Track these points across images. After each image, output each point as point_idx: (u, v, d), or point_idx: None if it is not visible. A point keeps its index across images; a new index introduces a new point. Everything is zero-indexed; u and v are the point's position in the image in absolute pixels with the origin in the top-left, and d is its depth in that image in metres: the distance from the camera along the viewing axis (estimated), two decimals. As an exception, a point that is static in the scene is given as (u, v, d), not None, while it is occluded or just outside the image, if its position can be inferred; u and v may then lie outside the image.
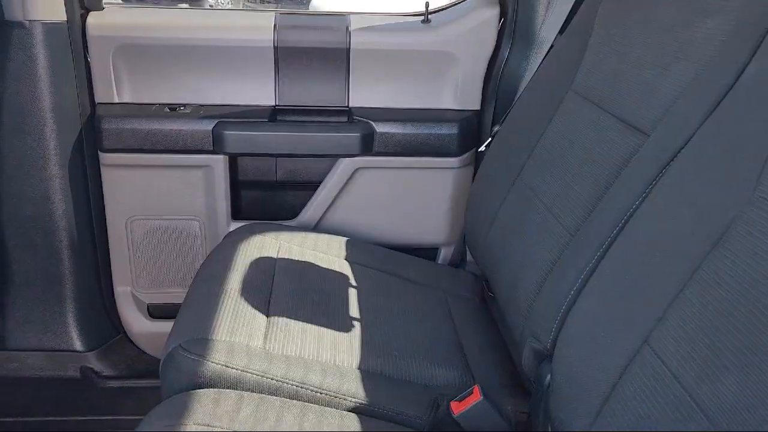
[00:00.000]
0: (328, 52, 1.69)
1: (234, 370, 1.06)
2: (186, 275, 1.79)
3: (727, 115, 0.89)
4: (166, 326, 1.76)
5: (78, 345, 1.75)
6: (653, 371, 0.80)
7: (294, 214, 1.76)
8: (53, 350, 1.74)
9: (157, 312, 1.82)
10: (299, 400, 1.05)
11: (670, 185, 0.92)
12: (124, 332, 1.83)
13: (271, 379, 1.07)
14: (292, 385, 1.07)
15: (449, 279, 1.60)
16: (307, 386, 1.07)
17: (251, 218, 1.74)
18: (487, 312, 1.50)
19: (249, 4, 7.74)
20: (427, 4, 1.72)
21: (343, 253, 1.55)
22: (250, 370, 1.07)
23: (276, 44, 1.66)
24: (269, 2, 7.62)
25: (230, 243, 1.49)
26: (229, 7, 8.31)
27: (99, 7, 1.65)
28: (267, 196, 1.78)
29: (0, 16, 1.46)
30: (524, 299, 1.17)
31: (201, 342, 1.10)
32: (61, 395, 1.71)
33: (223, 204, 1.72)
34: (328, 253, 1.53)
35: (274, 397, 1.02)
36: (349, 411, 1.06)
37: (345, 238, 1.61)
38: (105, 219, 1.74)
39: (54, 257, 1.68)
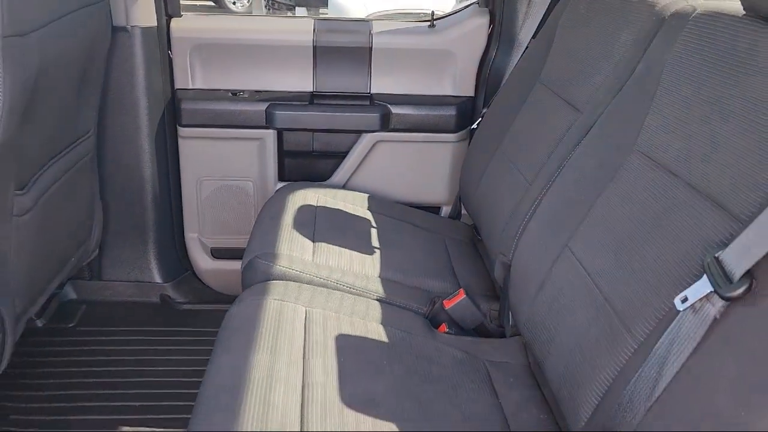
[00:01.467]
0: (355, 50, 2.16)
1: (294, 272, 1.55)
2: (241, 225, 2.26)
3: (623, 98, 1.36)
4: (224, 264, 2.26)
5: (158, 278, 2.25)
6: (569, 263, 1.27)
7: (327, 176, 2.24)
8: (139, 281, 2.24)
9: (217, 254, 2.31)
10: (339, 292, 1.54)
11: (586, 144, 1.40)
12: (192, 269, 2.32)
13: (319, 278, 1.55)
14: (333, 282, 1.55)
15: (447, 226, 2.07)
16: (343, 284, 1.56)
17: (293, 180, 2.22)
18: (475, 249, 1.98)
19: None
20: (432, 13, 2.19)
21: (366, 204, 2.02)
22: (304, 273, 1.55)
23: (315, 44, 2.14)
24: (289, 3, 8.08)
25: (281, 196, 1.97)
26: (246, 1, 8.87)
27: (179, 15, 2.13)
28: (306, 163, 2.26)
29: (110, 23, 1.94)
30: (497, 230, 1.64)
31: (270, 254, 1.59)
32: (145, 315, 2.20)
33: (272, 168, 2.21)
34: (354, 204, 2.00)
35: (323, 288, 1.51)
36: (374, 300, 1.54)
37: (367, 195, 2.09)
38: (180, 179, 2.23)
39: (141, 209, 2.17)
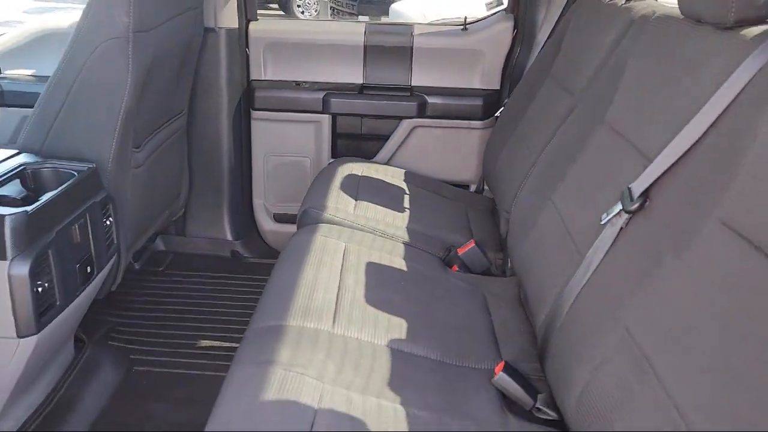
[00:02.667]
0: (399, 49, 2.57)
1: (337, 219, 1.96)
2: (299, 194, 2.66)
3: (599, 84, 1.71)
4: (283, 227, 2.71)
5: (229, 236, 2.71)
6: (550, 212, 1.62)
7: (372, 155, 2.65)
8: (214, 238, 2.71)
9: (278, 218, 2.75)
10: (372, 235, 1.94)
11: (570, 120, 1.76)
12: (257, 230, 2.78)
13: (357, 224, 1.96)
14: (368, 228, 1.96)
15: (470, 198, 2.45)
16: (376, 230, 1.96)
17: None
18: (492, 216, 2.34)
19: (336, 7, 8.77)
20: (465, 19, 2.58)
21: (402, 177, 2.42)
22: (346, 220, 1.97)
23: (365, 44, 2.56)
24: (351, 5, 8.59)
25: (332, 167, 2.39)
26: (314, 8, 9.44)
27: (256, 19, 2.60)
28: (354, 143, 2.68)
29: (202, 25, 2.41)
30: (506, 194, 2.01)
31: (320, 206, 2.01)
32: (218, 266, 2.66)
33: (326, 147, 2.64)
34: (392, 177, 2.41)
35: (359, 231, 1.92)
36: (400, 243, 1.93)
37: (404, 170, 2.49)
38: (251, 154, 2.69)
39: (218, 178, 2.64)
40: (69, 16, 3.24)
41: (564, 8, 2.30)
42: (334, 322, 1.44)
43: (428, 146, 2.64)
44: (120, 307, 2.28)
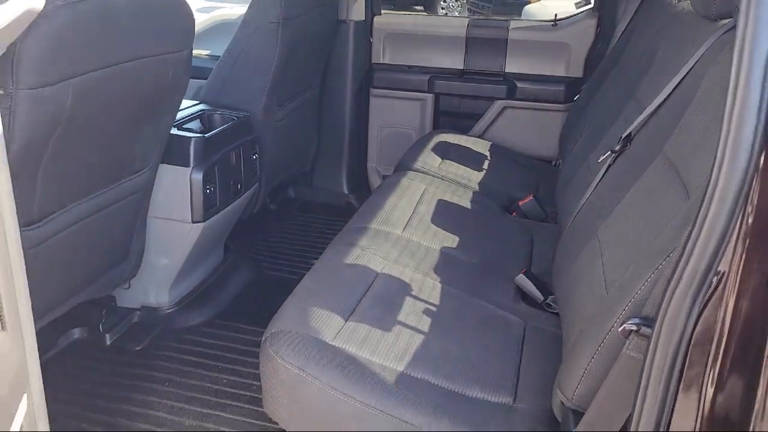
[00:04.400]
0: (495, 41, 3.04)
1: (423, 169, 2.48)
2: (404, 160, 3.25)
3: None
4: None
5: (345, 190, 3.32)
6: (586, 169, 2.04)
7: (468, 130, 3.14)
8: (333, 190, 3.33)
9: (386, 178, 3.31)
10: (448, 183, 2.43)
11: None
12: (368, 186, 3.36)
13: (438, 175, 2.47)
14: (447, 178, 2.46)
15: (543, 168, 2.87)
16: (453, 180, 2.46)
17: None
18: (560, 183, 2.75)
19: (474, 9, 9.24)
20: (555, 15, 2.99)
21: (488, 148, 2.89)
22: (429, 173, 2.48)
23: (467, 35, 3.06)
24: (487, 7, 9.03)
25: (431, 135, 2.91)
26: (457, 11, 9.98)
27: (380, 13, 3.18)
28: (453, 120, 3.18)
29: (335, 17, 3.03)
30: (564, 159, 2.43)
31: (412, 161, 2.54)
32: (334, 212, 3.27)
33: (429, 121, 3.17)
34: (480, 147, 2.88)
35: (441, 180, 2.43)
36: (471, 192, 2.41)
37: (491, 143, 2.96)
38: (368, 125, 3.28)
39: (341, 142, 3.25)
40: (237, 11, 4.03)
41: (638, 6, 2.65)
42: (403, 230, 1.97)
43: (516, 124, 3.08)
44: (258, 231, 2.96)
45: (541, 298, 1.77)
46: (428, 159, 2.60)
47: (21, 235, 0.98)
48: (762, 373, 0.79)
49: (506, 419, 1.31)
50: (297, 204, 3.31)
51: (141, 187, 1.88)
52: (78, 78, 1.36)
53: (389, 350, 1.41)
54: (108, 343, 2.09)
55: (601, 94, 2.51)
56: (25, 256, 0.98)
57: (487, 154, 2.82)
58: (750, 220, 0.76)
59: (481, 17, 3.37)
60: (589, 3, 2.98)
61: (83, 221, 1.67)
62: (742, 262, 0.77)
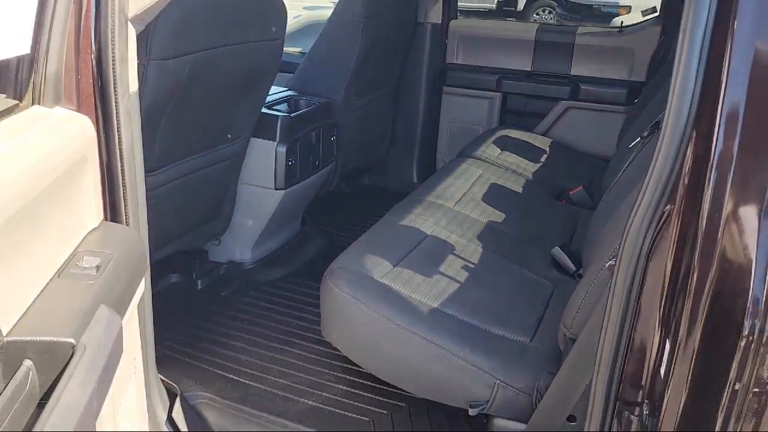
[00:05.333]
0: (563, 45, 3.24)
1: (482, 157, 2.73)
2: (471, 154, 3.50)
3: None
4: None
5: (415, 179, 3.59)
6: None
7: (532, 128, 3.35)
8: (404, 180, 3.61)
9: (454, 171, 3.57)
10: (503, 170, 2.67)
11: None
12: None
13: (495, 163, 2.70)
14: (503, 166, 2.69)
15: (599, 165, 3.04)
16: (508, 168, 2.68)
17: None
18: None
19: (564, 22, 9.33)
20: (621, 22, 3.16)
21: (549, 144, 3.10)
22: (488, 161, 2.72)
23: (535, 39, 3.28)
24: (575, 18, 9.09)
25: (495, 130, 3.15)
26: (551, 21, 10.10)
27: (456, 17, 3.46)
28: (519, 118, 3.40)
29: (414, 19, 3.32)
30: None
31: (474, 148, 2.79)
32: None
33: (496, 118, 3.40)
34: (541, 143, 3.09)
35: (497, 167, 2.66)
36: (525, 180, 2.63)
37: (552, 140, 3.15)
38: (439, 120, 3.55)
39: (413, 136, 3.53)
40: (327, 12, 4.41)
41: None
42: (455, 204, 2.23)
43: (577, 124, 3.26)
44: (333, 210, 3.28)
45: (573, 268, 1.98)
46: (488, 149, 2.84)
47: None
48: (694, 289, 0.99)
49: (520, 353, 1.54)
50: (370, 189, 3.62)
51: (234, 154, 2.24)
52: (193, 55, 1.71)
53: (428, 291, 1.68)
54: (199, 287, 2.46)
55: (658, 95, 2.67)
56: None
57: (546, 149, 3.03)
58: (690, 164, 0.97)
59: (544, 22, 3.57)
60: (655, 12, 3.12)
61: (187, 177, 2.04)
62: (683, 200, 0.98)
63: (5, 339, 0.83)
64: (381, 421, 1.77)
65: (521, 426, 1.46)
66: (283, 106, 2.59)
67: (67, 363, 0.84)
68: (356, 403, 1.83)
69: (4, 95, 1.07)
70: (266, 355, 2.07)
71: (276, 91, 2.69)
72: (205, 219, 2.31)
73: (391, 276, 1.70)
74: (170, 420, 1.68)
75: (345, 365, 1.95)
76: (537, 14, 10.43)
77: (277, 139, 2.39)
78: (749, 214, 0.89)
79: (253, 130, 2.33)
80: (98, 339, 0.88)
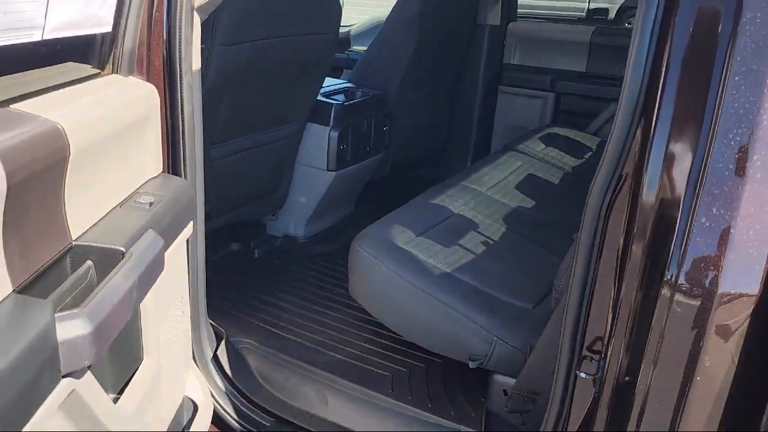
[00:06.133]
0: (618, 48, 3.31)
1: (524, 151, 2.86)
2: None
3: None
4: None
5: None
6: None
7: (584, 128, 3.44)
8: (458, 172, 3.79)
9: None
10: (541, 163, 2.79)
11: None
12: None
13: (535, 156, 2.83)
14: (544, 160, 2.82)
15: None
16: (549, 162, 2.81)
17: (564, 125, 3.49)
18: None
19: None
20: (677, 26, 3.21)
21: (596, 143, 3.18)
22: (529, 154, 2.86)
23: (590, 41, 3.37)
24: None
25: (545, 127, 3.27)
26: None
27: (515, 20, 3.60)
28: (571, 118, 3.50)
29: (473, 21, 3.49)
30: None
31: (518, 142, 2.93)
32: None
33: (548, 117, 3.51)
34: (588, 141, 3.18)
35: (537, 160, 2.80)
36: (561, 172, 2.75)
37: (601, 139, 3.24)
38: (494, 117, 3.70)
39: (468, 131, 3.70)
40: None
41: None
42: (488, 189, 2.40)
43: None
44: (386, 197, 3.48)
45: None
46: (533, 144, 2.97)
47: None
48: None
49: (520, 317, 1.70)
50: (424, 180, 3.81)
51: (290, 135, 2.50)
52: (252, 43, 1.98)
53: (444, 258, 1.86)
54: (256, 256, 2.74)
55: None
56: (207, 168, 1.57)
57: (593, 147, 3.12)
58: (639, 140, 1.11)
59: (599, 26, 3.68)
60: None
61: (246, 151, 2.32)
62: (634, 167, 1.12)
63: (74, 242, 1.09)
64: (399, 377, 1.96)
65: (513, 381, 1.62)
66: (340, 96, 2.83)
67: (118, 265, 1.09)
68: (379, 360, 2.03)
69: (90, 65, 1.35)
70: (306, 314, 2.31)
71: (336, 83, 2.95)
72: (263, 193, 2.59)
73: (413, 244, 1.89)
74: (215, 358, 1.94)
75: (372, 327, 2.16)
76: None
77: (331, 125, 2.63)
78: (679, 180, 1.03)
79: (310, 115, 2.59)
80: (142, 251, 1.13)
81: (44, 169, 0.97)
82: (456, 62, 3.49)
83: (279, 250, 2.80)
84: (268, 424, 1.85)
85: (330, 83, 2.94)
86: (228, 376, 1.89)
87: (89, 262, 1.10)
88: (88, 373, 0.99)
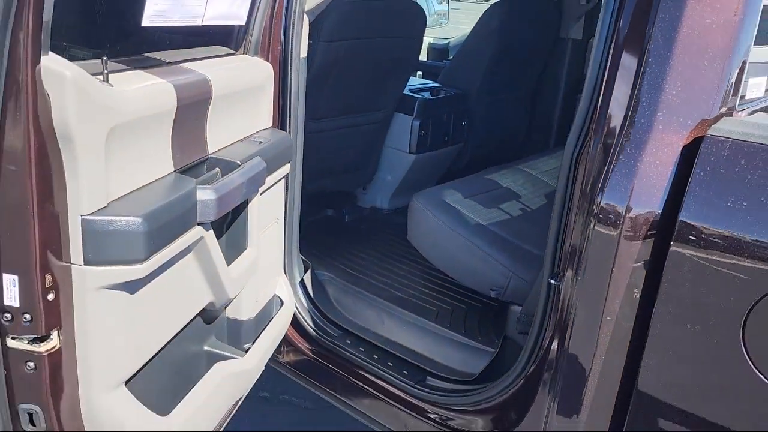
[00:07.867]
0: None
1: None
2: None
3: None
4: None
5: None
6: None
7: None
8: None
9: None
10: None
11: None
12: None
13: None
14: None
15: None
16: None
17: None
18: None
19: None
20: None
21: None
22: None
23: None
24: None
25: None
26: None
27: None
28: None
29: (555, 35, 3.89)
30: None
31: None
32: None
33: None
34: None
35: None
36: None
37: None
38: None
39: (548, 138, 4.08)
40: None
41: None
42: (539, 173, 2.81)
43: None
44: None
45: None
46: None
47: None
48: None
49: (537, 260, 2.12)
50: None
51: (379, 120, 3.06)
52: (348, 41, 2.56)
53: (484, 216, 2.32)
54: (346, 221, 3.31)
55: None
56: (308, 138, 2.21)
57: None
58: (599, 110, 1.54)
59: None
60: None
61: (342, 129, 2.91)
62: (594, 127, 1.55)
63: (210, 155, 1.69)
64: (443, 312, 2.44)
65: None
66: (427, 93, 3.36)
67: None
68: (429, 299, 2.52)
69: (229, 47, 1.97)
70: (380, 264, 2.84)
71: (427, 83, 3.48)
72: (354, 167, 3.16)
73: (459, 203, 2.37)
74: (302, 282, 2.52)
75: (428, 276, 2.64)
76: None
77: (414, 115, 3.16)
78: (615, 131, 1.46)
79: (398, 105, 3.14)
80: (251, 165, 1.71)
81: (197, 102, 1.58)
82: (536, 72, 3.90)
83: (366, 218, 3.36)
84: (335, 334, 2.38)
85: (422, 82, 3.49)
86: (310, 295, 2.45)
87: (217, 168, 1.70)
88: (212, 232, 1.57)
